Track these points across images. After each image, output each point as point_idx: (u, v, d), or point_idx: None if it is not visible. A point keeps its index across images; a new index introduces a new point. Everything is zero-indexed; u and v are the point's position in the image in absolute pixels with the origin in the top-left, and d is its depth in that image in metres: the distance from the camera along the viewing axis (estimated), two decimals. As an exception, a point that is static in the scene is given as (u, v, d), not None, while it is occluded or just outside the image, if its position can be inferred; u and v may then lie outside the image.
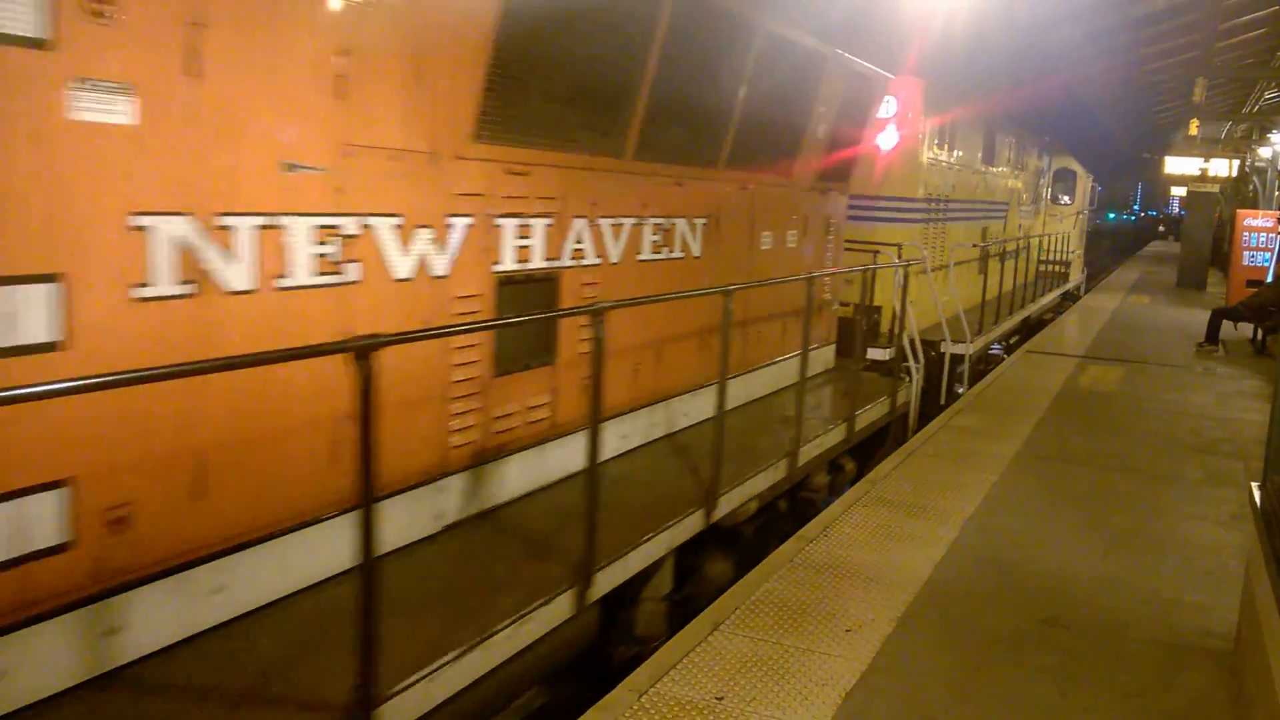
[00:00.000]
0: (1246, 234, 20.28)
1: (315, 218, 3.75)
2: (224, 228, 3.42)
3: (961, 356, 10.99)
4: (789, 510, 6.89)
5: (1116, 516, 6.38)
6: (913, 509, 6.25)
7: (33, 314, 2.91)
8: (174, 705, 3.12)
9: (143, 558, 3.29)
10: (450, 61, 4.21)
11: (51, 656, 3.04)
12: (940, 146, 12.19)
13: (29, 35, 2.80)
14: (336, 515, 3.92)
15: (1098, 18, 13.52)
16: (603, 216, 5.50)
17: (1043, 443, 8.16)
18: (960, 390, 10.75)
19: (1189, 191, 25.94)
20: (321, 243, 3.80)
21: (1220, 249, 26.95)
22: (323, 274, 3.82)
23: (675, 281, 6.24)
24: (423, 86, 4.12)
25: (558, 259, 5.18)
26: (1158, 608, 5.00)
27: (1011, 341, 15.09)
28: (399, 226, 4.13)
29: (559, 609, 4.07)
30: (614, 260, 5.66)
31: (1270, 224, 20.25)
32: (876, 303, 9.81)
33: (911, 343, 9.27)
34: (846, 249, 9.31)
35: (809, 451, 6.69)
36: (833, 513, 6.15)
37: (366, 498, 2.92)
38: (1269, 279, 18.28)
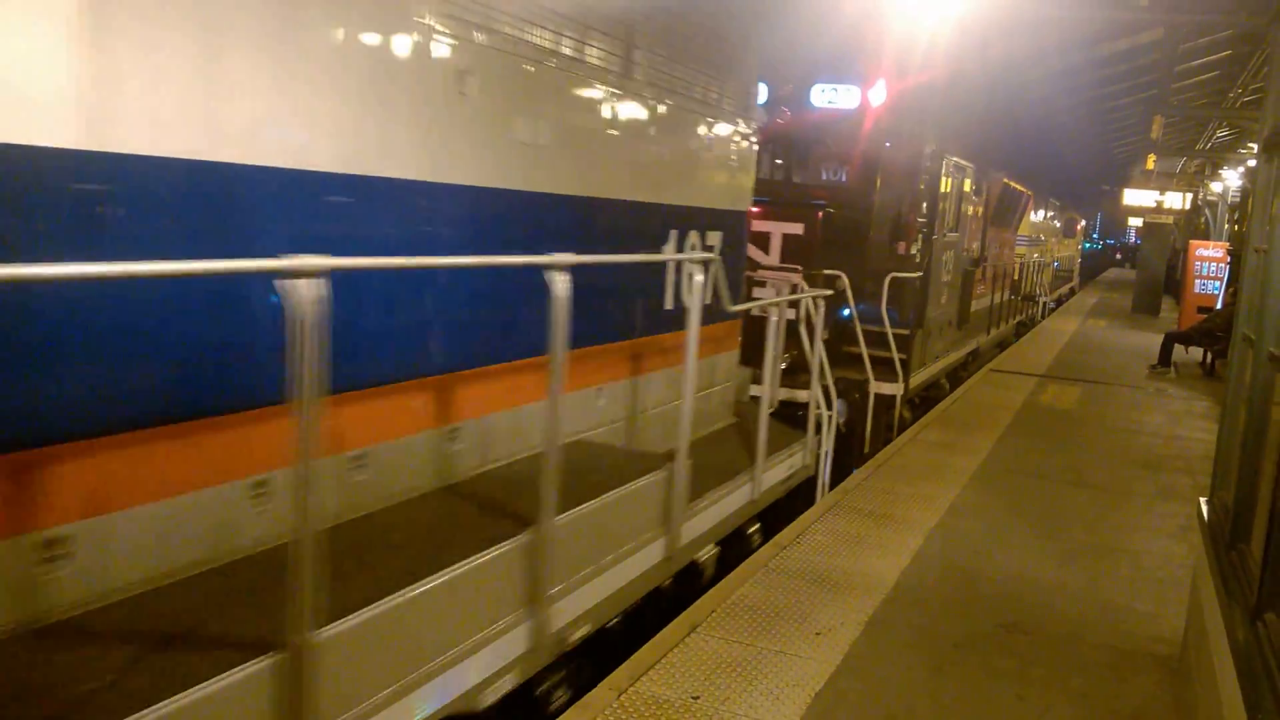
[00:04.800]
0: (1198, 263, 20.94)
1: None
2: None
3: (1044, 304, 23.53)
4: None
5: (1072, 528, 6.63)
6: (881, 518, 6.47)
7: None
8: None
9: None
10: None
11: None
12: (1032, 212, 22.11)
13: None
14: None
15: (1064, 56, 15.11)
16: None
17: (1004, 457, 8.44)
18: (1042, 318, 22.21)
19: (1145, 222, 26.74)
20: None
21: (1173, 277, 27.73)
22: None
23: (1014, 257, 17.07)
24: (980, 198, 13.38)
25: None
26: (1110, 614, 5.22)
27: (1054, 305, 26.43)
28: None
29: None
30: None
31: (1220, 254, 20.91)
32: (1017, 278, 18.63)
33: (1037, 293, 21.93)
34: None
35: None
36: (806, 520, 6.34)
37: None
38: (1219, 305, 18.88)
